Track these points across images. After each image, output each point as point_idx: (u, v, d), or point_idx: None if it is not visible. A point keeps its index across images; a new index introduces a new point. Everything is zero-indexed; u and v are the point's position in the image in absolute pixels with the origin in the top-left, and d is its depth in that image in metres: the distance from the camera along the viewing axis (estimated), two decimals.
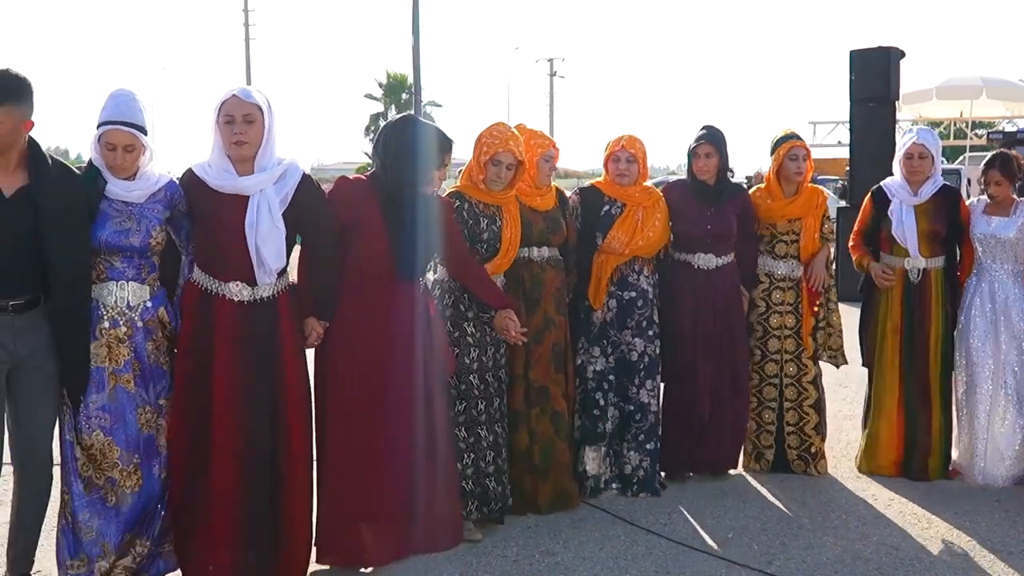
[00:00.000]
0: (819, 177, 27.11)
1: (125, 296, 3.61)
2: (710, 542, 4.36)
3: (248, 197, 3.67)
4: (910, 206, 5.15)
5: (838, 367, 5.46)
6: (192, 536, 3.77)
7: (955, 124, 24.41)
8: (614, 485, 4.96)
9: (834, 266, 5.64)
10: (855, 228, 5.47)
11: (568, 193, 5.04)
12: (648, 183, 5.13)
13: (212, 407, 3.69)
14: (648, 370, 4.96)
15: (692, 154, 5.11)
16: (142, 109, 3.65)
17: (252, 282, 3.71)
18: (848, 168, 12.87)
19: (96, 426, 3.58)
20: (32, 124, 3.42)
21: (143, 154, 3.63)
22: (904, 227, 5.12)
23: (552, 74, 53.08)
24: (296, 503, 3.84)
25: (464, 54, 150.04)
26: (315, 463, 4.01)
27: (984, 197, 5.23)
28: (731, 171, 5.22)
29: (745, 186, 5.79)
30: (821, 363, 5.36)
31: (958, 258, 5.31)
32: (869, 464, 5.34)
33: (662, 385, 5.10)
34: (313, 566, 4.02)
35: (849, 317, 5.51)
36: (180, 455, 3.75)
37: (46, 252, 3.41)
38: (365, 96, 45.12)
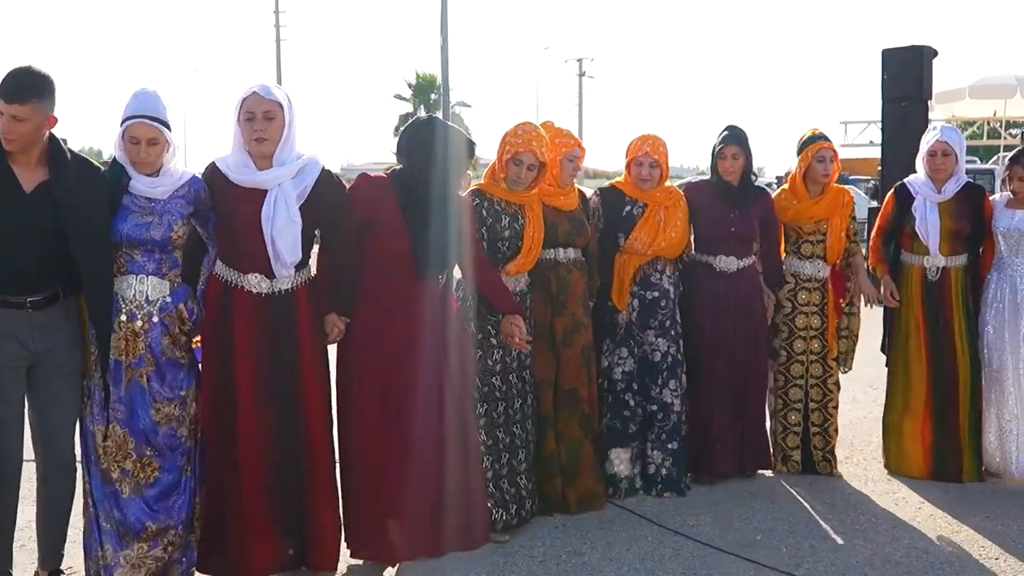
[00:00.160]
0: (850, 177, 26.97)
1: (144, 290, 3.63)
2: (738, 544, 4.33)
3: (266, 191, 3.71)
4: (934, 203, 5.12)
5: (844, 372, 5.42)
6: (225, 527, 3.79)
7: (988, 123, 24.15)
8: (637, 484, 4.95)
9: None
10: (876, 225, 5.44)
11: (588, 193, 5.03)
12: (680, 182, 5.11)
13: (237, 398, 3.73)
14: (671, 370, 4.94)
15: (718, 155, 5.08)
16: (165, 107, 3.66)
17: (270, 274, 3.75)
18: (880, 168, 12.76)
19: (113, 418, 3.61)
20: (55, 120, 3.45)
21: (167, 151, 3.65)
22: (927, 224, 5.09)
23: (581, 74, 53.01)
24: (320, 494, 3.87)
25: (493, 54, 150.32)
26: (339, 458, 4.02)
27: (1007, 193, 5.21)
28: (755, 174, 5.19)
29: (775, 186, 5.75)
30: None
31: (980, 257, 5.26)
32: (898, 465, 5.30)
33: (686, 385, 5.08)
34: (346, 560, 4.04)
35: (870, 318, 5.48)
36: (211, 447, 3.79)
37: (71, 244, 3.43)
38: (394, 96, 45.32)
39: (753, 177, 5.15)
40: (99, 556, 3.63)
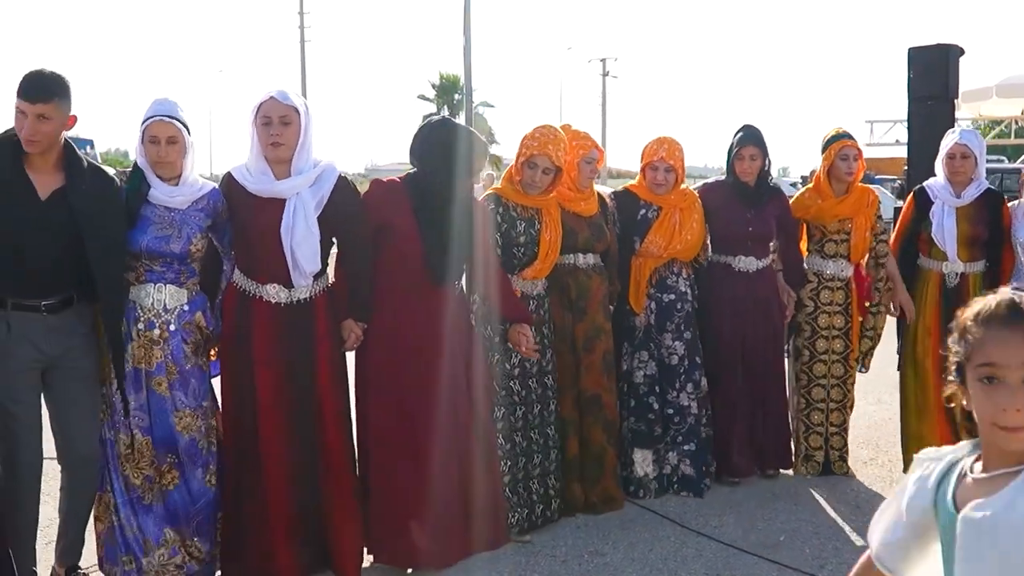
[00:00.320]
0: (876, 177, 26.77)
1: (162, 299, 3.65)
2: (761, 545, 4.31)
3: (284, 200, 3.71)
4: (952, 208, 5.06)
5: (862, 372, 5.39)
6: (245, 535, 3.81)
7: (1016, 122, 23.90)
8: (653, 485, 4.93)
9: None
10: (896, 230, 5.40)
11: (607, 194, 5.01)
12: (697, 184, 5.09)
13: (257, 408, 3.74)
14: (688, 373, 4.92)
15: (736, 156, 5.04)
16: (184, 113, 3.69)
17: (289, 284, 3.76)
18: (906, 168, 12.66)
19: (135, 425, 3.63)
20: (75, 119, 3.50)
21: (185, 155, 3.68)
22: (944, 230, 5.02)
23: (604, 74, 52.87)
24: (340, 501, 3.88)
25: (517, 55, 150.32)
26: (359, 463, 4.03)
27: None
28: (771, 175, 5.16)
29: (800, 185, 5.72)
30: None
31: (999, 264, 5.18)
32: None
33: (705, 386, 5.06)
34: (368, 563, 4.05)
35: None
36: (229, 456, 3.81)
37: (87, 250, 3.46)
38: (418, 97, 45.34)
39: (769, 178, 5.13)
40: (124, 562, 3.66)
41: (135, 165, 3.70)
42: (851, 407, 5.28)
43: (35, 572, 3.66)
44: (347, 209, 3.86)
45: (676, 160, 4.85)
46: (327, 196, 3.78)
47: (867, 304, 5.25)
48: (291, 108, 3.70)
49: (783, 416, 5.24)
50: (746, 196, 5.03)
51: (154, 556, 3.66)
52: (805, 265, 5.26)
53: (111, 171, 3.76)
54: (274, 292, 3.76)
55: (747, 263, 5.05)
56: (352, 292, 3.92)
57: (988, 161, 5.79)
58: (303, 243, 3.70)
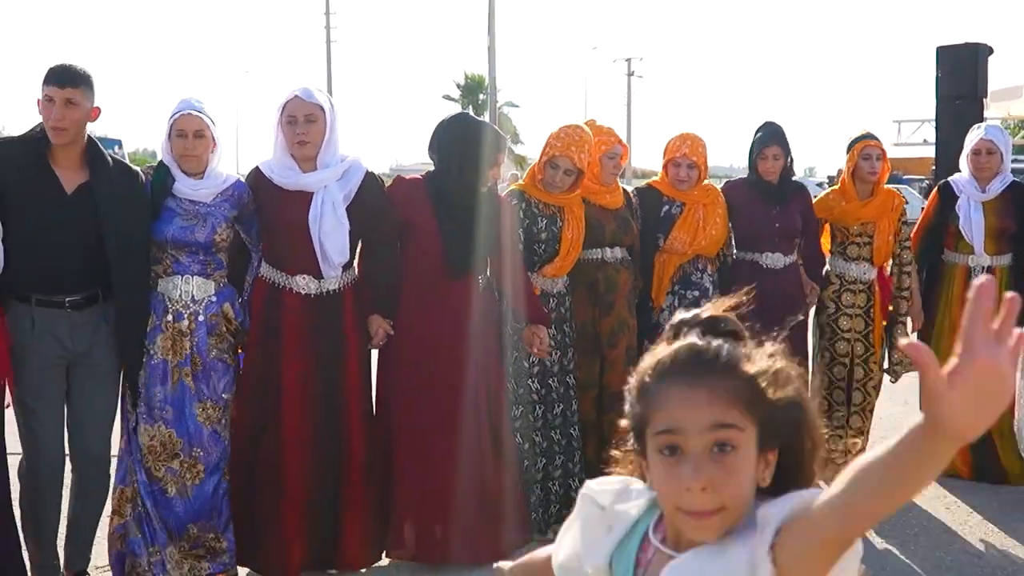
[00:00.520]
0: (904, 176, 26.59)
1: (190, 290, 3.67)
2: None
3: (312, 193, 3.73)
4: (978, 202, 5.04)
5: (895, 380, 5.35)
6: (260, 527, 3.82)
7: None
8: None
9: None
10: (918, 224, 5.37)
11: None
12: (731, 180, 5.06)
13: (282, 399, 3.76)
14: None
15: (759, 156, 4.98)
16: (209, 113, 3.72)
17: (318, 275, 3.78)
18: (933, 167, 12.56)
19: (159, 418, 3.64)
20: (99, 111, 3.53)
21: (212, 150, 3.70)
22: (972, 223, 5.02)
23: (630, 74, 52.78)
24: (354, 494, 3.88)
25: (542, 54, 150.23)
26: (383, 458, 4.03)
27: None
28: (794, 173, 5.13)
29: (827, 185, 5.69)
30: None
31: None
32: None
33: None
34: (386, 561, 4.06)
35: None
36: (246, 444, 3.81)
37: (106, 248, 3.48)
38: (443, 97, 45.45)
39: (792, 175, 5.10)
40: (150, 552, 3.67)
41: (160, 161, 3.73)
42: (870, 411, 5.24)
43: (57, 566, 3.68)
44: (374, 205, 3.88)
45: (699, 156, 4.83)
46: (355, 191, 3.81)
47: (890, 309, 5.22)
48: (316, 106, 3.72)
49: None
50: (771, 194, 5.00)
51: (177, 547, 3.68)
52: (827, 267, 5.23)
53: (136, 168, 3.79)
54: (304, 283, 3.78)
55: (774, 259, 5.02)
56: (378, 288, 3.93)
57: (1015, 161, 5.75)
58: (332, 233, 3.73)
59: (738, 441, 1.24)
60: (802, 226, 5.07)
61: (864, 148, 5.06)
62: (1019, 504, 4.85)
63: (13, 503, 3.57)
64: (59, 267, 3.45)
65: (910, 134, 25.13)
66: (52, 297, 3.47)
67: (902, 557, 4.18)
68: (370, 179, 3.87)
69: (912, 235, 5.32)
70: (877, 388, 5.22)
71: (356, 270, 3.95)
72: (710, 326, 1.33)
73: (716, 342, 1.30)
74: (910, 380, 5.53)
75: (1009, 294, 1.00)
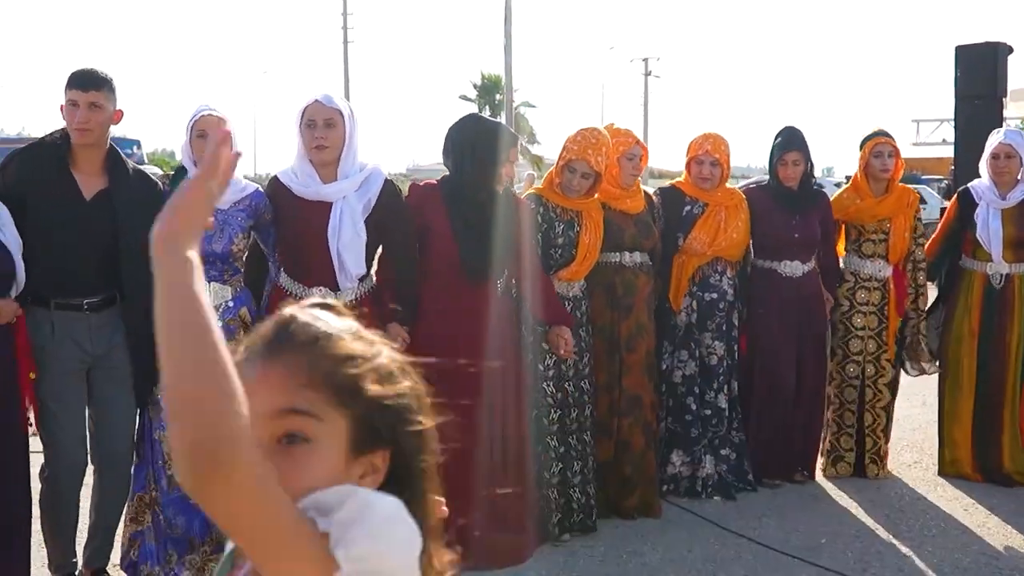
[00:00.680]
0: (923, 177, 26.42)
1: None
2: (802, 548, 4.28)
3: (331, 204, 3.74)
4: (997, 210, 5.01)
5: (914, 374, 5.34)
6: None
7: None
8: (684, 484, 4.88)
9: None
10: (937, 231, 5.36)
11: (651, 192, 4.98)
12: (739, 185, 5.05)
13: None
14: (727, 374, 4.90)
15: (779, 162, 4.98)
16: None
17: (335, 287, 3.78)
18: (952, 168, 12.48)
19: None
20: (121, 114, 3.58)
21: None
22: (989, 231, 4.99)
23: (647, 74, 52.63)
24: None
25: (559, 54, 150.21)
26: None
27: None
28: (814, 177, 5.11)
29: (844, 185, 5.67)
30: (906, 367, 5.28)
31: None
32: (949, 469, 5.24)
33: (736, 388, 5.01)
34: None
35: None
36: None
37: (121, 257, 3.51)
38: (460, 97, 45.43)
39: (813, 179, 5.08)
40: (166, 558, 3.70)
41: (180, 166, 3.75)
42: (885, 408, 5.21)
43: (75, 565, 3.71)
44: (394, 213, 3.88)
45: (722, 154, 4.82)
46: (374, 199, 3.80)
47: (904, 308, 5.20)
48: (335, 111, 3.73)
49: (818, 421, 5.19)
50: (791, 201, 4.98)
51: (198, 554, 3.70)
52: (842, 264, 5.21)
53: (156, 171, 3.81)
54: (320, 295, 3.79)
55: (792, 268, 5.01)
56: (398, 296, 3.93)
57: None
58: (350, 246, 3.73)
59: (313, 433, 1.04)
60: (822, 235, 5.05)
61: (875, 146, 5.06)
62: None
63: (33, 502, 3.60)
64: (77, 270, 3.49)
65: (929, 134, 25.02)
66: (70, 300, 3.50)
67: (919, 559, 4.17)
68: (389, 187, 3.87)
69: (929, 242, 5.30)
70: (891, 386, 5.20)
71: (373, 280, 3.95)
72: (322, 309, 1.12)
73: (304, 316, 1.09)
74: (930, 380, 5.52)
75: None
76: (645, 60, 53.19)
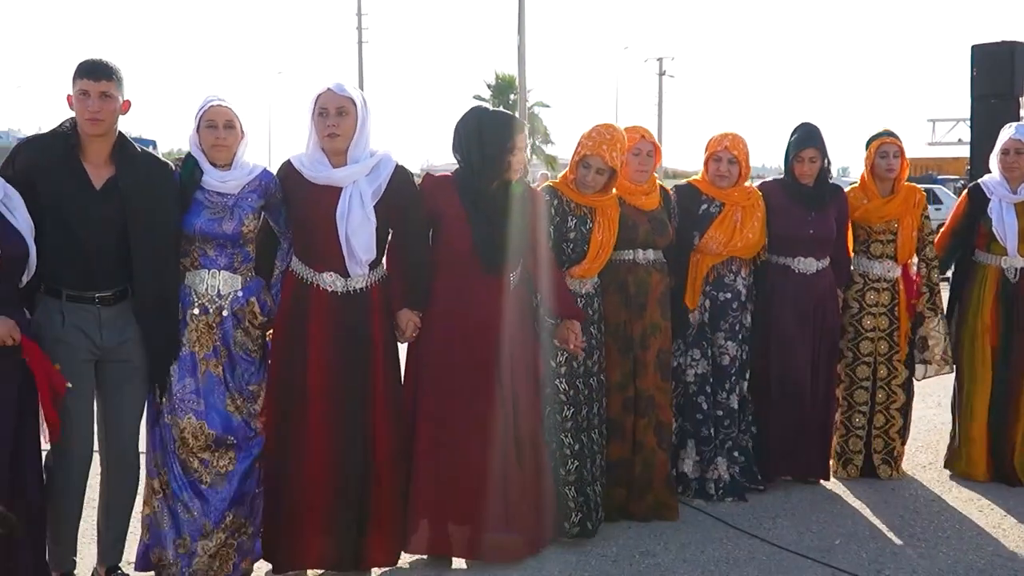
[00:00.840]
0: (939, 176, 26.29)
1: (216, 284, 3.70)
2: (816, 548, 4.26)
3: (341, 188, 3.75)
4: (1010, 204, 5.00)
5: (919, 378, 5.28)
6: (282, 521, 3.83)
7: None
8: (695, 485, 4.85)
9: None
10: (946, 224, 5.33)
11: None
12: (766, 182, 5.03)
13: (308, 392, 3.78)
14: (739, 375, 4.87)
15: (795, 158, 4.94)
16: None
17: (345, 273, 3.79)
18: (968, 167, 12.42)
19: (189, 409, 3.67)
20: (129, 104, 3.57)
21: (240, 141, 3.73)
22: (1005, 225, 4.97)
23: (661, 73, 52.55)
24: (384, 492, 3.88)
25: (573, 54, 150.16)
26: (410, 450, 4.01)
27: None
28: (830, 174, 5.09)
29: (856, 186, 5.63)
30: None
31: None
32: (961, 467, 5.20)
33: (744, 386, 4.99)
34: (404, 556, 4.06)
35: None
36: (271, 440, 3.83)
37: (131, 242, 3.51)
38: (474, 97, 45.40)
39: (829, 176, 5.06)
40: (178, 544, 3.70)
41: (188, 154, 3.77)
42: (900, 409, 5.17)
43: (75, 562, 3.71)
44: (405, 198, 3.88)
45: (740, 152, 4.79)
46: (384, 185, 3.81)
47: (914, 307, 5.17)
48: (347, 99, 3.74)
49: (829, 422, 5.16)
50: (807, 198, 4.95)
51: (212, 539, 3.70)
52: (851, 266, 5.19)
53: (168, 161, 3.82)
54: (330, 281, 3.80)
55: (806, 264, 4.98)
56: (410, 281, 3.93)
57: None
58: (359, 230, 3.74)
59: None
60: (837, 231, 5.03)
61: (881, 146, 5.05)
62: None
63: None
64: (88, 262, 3.48)
65: (945, 133, 24.89)
66: (82, 293, 3.50)
67: (934, 560, 4.14)
68: (400, 172, 3.87)
69: (938, 237, 5.28)
70: (904, 387, 5.17)
71: (384, 267, 3.96)
72: None
73: None
74: (944, 381, 5.50)
75: None
76: (659, 60, 53.09)
